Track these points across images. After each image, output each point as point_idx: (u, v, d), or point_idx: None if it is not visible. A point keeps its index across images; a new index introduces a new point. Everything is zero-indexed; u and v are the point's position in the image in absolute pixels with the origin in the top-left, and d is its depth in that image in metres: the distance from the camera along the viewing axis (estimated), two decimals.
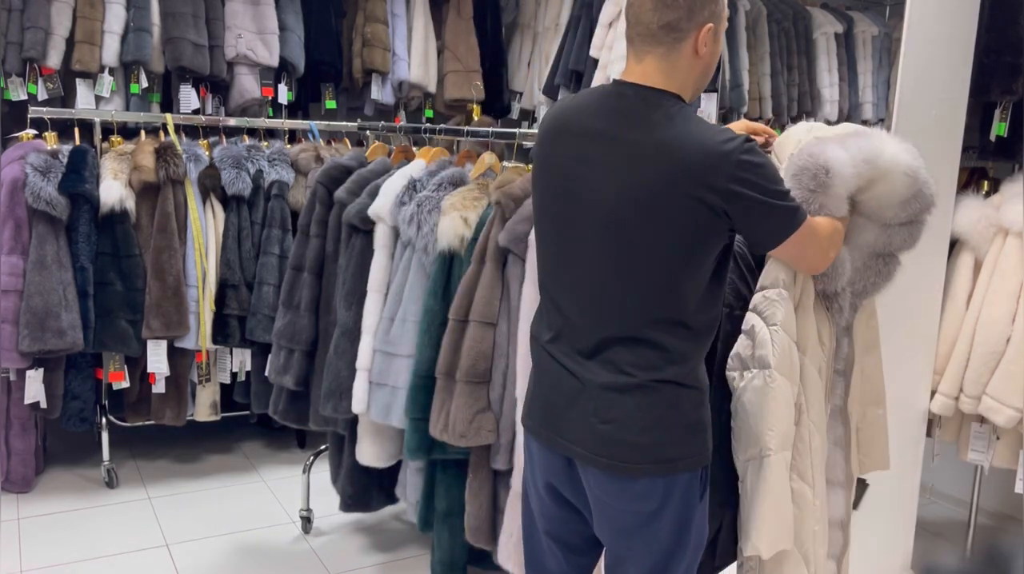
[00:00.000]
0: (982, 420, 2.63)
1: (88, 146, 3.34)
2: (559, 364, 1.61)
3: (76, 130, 3.42)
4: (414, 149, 2.81)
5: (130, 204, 3.25)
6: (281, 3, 4.03)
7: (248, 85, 3.96)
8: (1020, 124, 2.93)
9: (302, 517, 3.12)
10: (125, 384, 3.38)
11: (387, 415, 2.39)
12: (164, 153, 3.29)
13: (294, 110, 4.36)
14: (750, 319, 1.68)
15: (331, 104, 4.30)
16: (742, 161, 1.42)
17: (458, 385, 2.15)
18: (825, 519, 1.78)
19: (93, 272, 3.23)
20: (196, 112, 3.83)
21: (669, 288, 1.49)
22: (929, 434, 2.74)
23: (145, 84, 3.74)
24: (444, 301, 2.25)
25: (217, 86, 3.97)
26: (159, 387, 3.40)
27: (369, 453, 2.56)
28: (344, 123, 4.04)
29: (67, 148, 3.29)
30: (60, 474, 3.53)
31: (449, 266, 2.28)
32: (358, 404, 2.43)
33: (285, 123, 3.92)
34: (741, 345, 1.69)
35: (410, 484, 2.66)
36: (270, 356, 2.84)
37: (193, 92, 3.82)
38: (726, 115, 3.62)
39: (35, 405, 3.24)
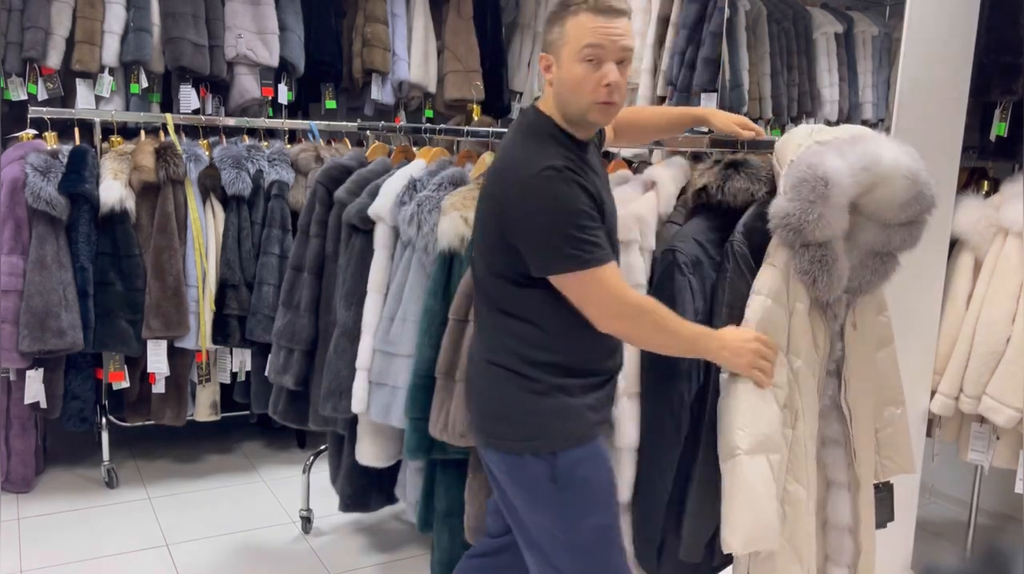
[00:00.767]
0: (982, 420, 2.63)
1: (88, 146, 3.34)
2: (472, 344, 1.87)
3: (76, 130, 3.42)
4: (414, 149, 2.81)
5: (130, 204, 3.25)
6: (281, 3, 4.03)
7: (248, 85, 3.96)
8: (1020, 124, 2.93)
9: (302, 517, 3.12)
10: (125, 384, 3.38)
11: (387, 415, 2.39)
12: (164, 153, 3.29)
13: (294, 110, 4.36)
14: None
15: (331, 104, 4.30)
16: (519, 186, 1.57)
17: (458, 385, 2.15)
18: (814, 520, 1.77)
19: (93, 272, 3.23)
20: (196, 112, 3.82)
21: (491, 279, 1.69)
22: (929, 434, 2.74)
23: (145, 84, 3.74)
24: (444, 301, 2.25)
25: (217, 86, 3.97)
26: (159, 387, 3.40)
27: (369, 453, 2.56)
28: (344, 123, 4.04)
29: (67, 148, 3.29)
30: (60, 474, 3.53)
31: (449, 266, 2.28)
32: (358, 404, 2.43)
33: (285, 123, 3.92)
34: None
35: (410, 484, 2.66)
36: (270, 356, 2.84)
37: (193, 92, 3.82)
38: None
39: (35, 405, 3.24)
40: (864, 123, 3.71)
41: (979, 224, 2.64)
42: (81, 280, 3.20)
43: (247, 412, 3.71)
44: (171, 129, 3.48)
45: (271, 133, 3.93)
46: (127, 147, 3.39)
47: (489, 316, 1.73)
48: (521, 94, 4.71)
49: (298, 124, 3.97)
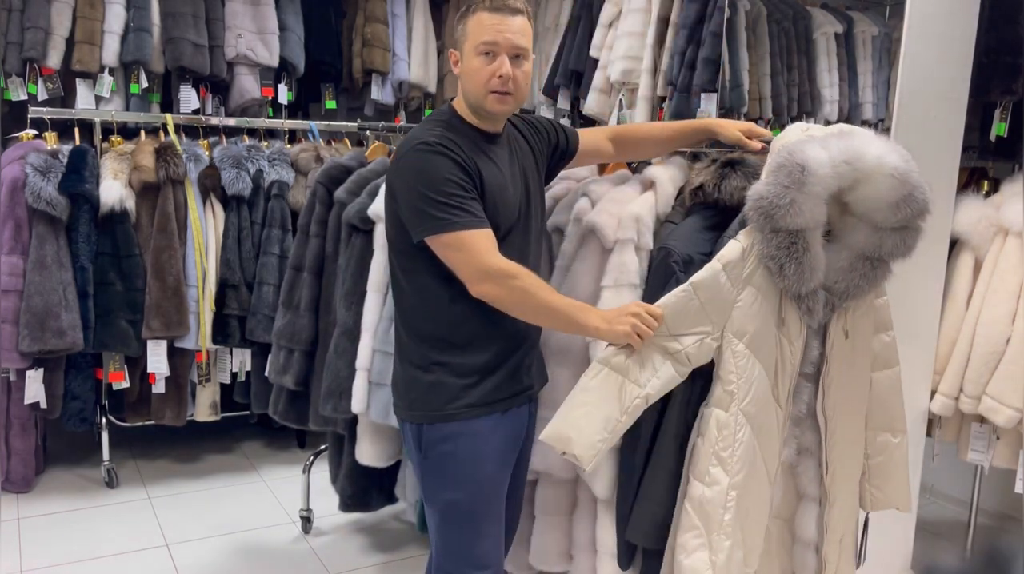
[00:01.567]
0: (982, 420, 2.62)
1: (88, 146, 3.34)
2: None
3: (76, 130, 3.43)
4: None
5: (130, 204, 3.25)
6: (281, 3, 4.03)
7: (248, 85, 3.96)
8: (1020, 124, 2.93)
9: (302, 517, 3.12)
10: (125, 384, 3.38)
11: (387, 415, 2.38)
12: (164, 153, 3.30)
13: (294, 110, 4.36)
14: None
15: (331, 104, 4.30)
16: (404, 158, 1.72)
17: None
18: (736, 511, 1.73)
19: (93, 272, 3.23)
20: (196, 112, 3.82)
21: (395, 257, 1.81)
22: (929, 434, 2.73)
23: (145, 84, 3.74)
24: None
25: (217, 86, 3.97)
26: (159, 387, 3.40)
27: (369, 453, 2.56)
28: (344, 123, 4.03)
29: (67, 148, 3.29)
30: (60, 474, 3.53)
31: None
32: (358, 404, 2.43)
33: (285, 123, 3.92)
34: None
35: (410, 484, 2.66)
36: (270, 356, 2.84)
37: (193, 92, 3.82)
38: (726, 115, 3.61)
39: (35, 405, 3.24)
40: (864, 123, 3.71)
41: (979, 224, 2.64)
42: (81, 280, 3.20)
43: (247, 412, 3.71)
44: (171, 129, 3.48)
45: (271, 133, 3.93)
46: (127, 147, 3.39)
47: (393, 290, 1.86)
48: None
49: (298, 124, 3.97)
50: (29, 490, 3.35)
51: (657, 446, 1.82)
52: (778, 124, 3.64)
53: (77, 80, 3.64)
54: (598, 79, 3.76)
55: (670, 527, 1.80)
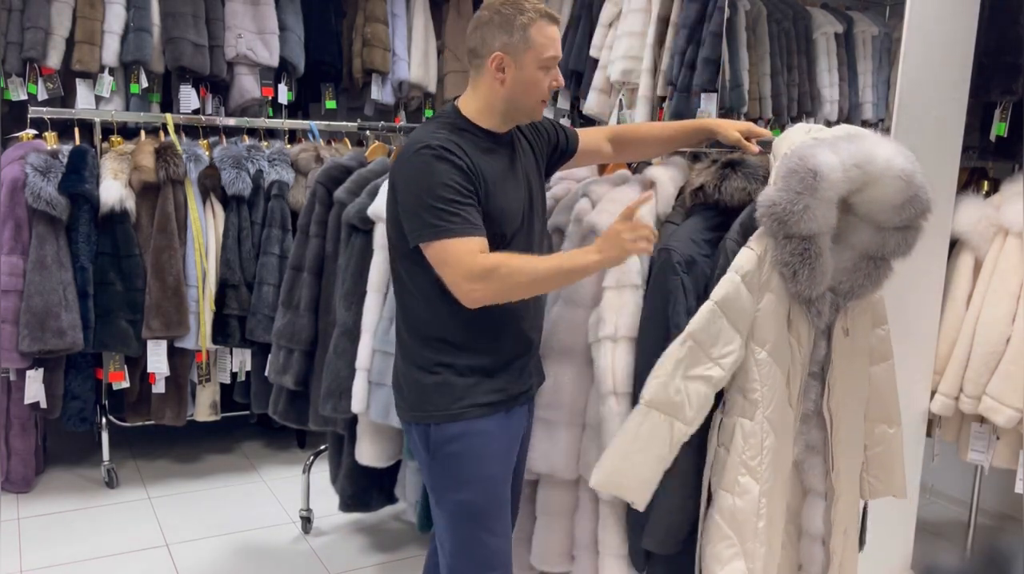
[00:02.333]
0: (982, 420, 2.62)
1: (88, 146, 3.34)
2: None
3: (76, 130, 3.43)
4: None
5: (130, 204, 3.25)
6: (281, 3, 4.03)
7: (248, 85, 3.96)
8: (1020, 124, 2.93)
9: (302, 517, 3.12)
10: (125, 384, 3.38)
11: (387, 415, 2.38)
12: (164, 153, 3.29)
13: (294, 110, 4.36)
14: None
15: (331, 104, 4.30)
16: (402, 160, 1.70)
17: None
18: (767, 518, 1.75)
19: (93, 272, 3.23)
20: (196, 112, 3.82)
21: (393, 256, 1.81)
22: (929, 434, 2.74)
23: (145, 84, 3.74)
24: None
25: (217, 86, 3.97)
26: (159, 387, 3.40)
27: (368, 453, 2.56)
28: (344, 123, 4.03)
29: (67, 148, 3.29)
30: (60, 474, 3.53)
31: None
32: (357, 404, 2.43)
33: (285, 123, 3.91)
34: None
35: (410, 484, 2.66)
36: (270, 356, 2.84)
37: (193, 92, 3.82)
38: (726, 115, 3.62)
39: (35, 405, 3.24)
40: (864, 123, 3.71)
41: (979, 224, 2.64)
42: (81, 280, 3.20)
43: (247, 412, 3.71)
44: (171, 129, 3.48)
45: (271, 133, 3.93)
46: (127, 147, 3.39)
47: (396, 291, 1.84)
48: None
49: (298, 124, 3.97)
50: (29, 490, 3.35)
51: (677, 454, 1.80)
52: (778, 124, 3.64)
53: (77, 80, 3.64)
54: (598, 79, 3.76)
55: (684, 532, 1.81)
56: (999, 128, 2.95)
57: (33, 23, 3.48)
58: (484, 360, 1.77)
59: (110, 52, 3.64)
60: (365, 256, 2.50)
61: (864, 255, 1.74)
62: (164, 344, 3.32)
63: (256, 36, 3.94)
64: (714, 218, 1.89)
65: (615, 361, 1.88)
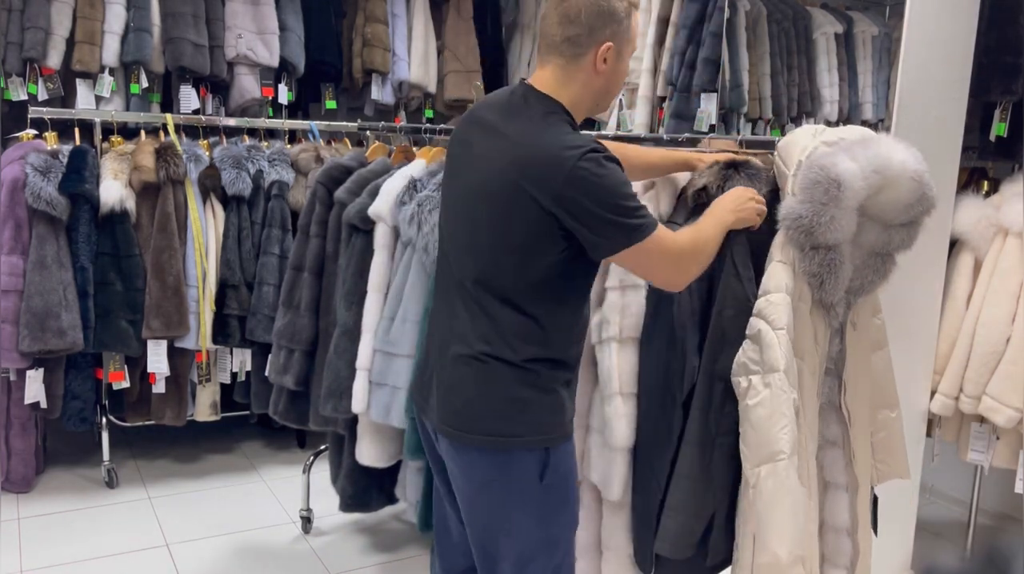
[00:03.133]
0: (982, 420, 2.63)
1: (88, 146, 3.34)
2: (433, 335, 1.76)
3: (76, 130, 3.42)
4: (414, 149, 2.81)
5: (130, 204, 3.25)
6: (281, 3, 4.03)
7: (248, 85, 3.96)
8: (1020, 124, 2.93)
9: (302, 517, 3.12)
10: (125, 384, 3.38)
11: (387, 415, 2.39)
12: (164, 153, 3.29)
13: (294, 110, 4.36)
14: (755, 324, 1.67)
15: (331, 104, 4.30)
16: (578, 168, 1.50)
17: None
18: (816, 521, 1.77)
19: (93, 272, 3.22)
20: (196, 112, 3.82)
21: (503, 271, 1.60)
22: (929, 434, 2.74)
23: (145, 84, 3.74)
24: None
25: (217, 86, 3.97)
26: (159, 387, 3.40)
27: (369, 453, 2.56)
28: (344, 123, 4.03)
29: (67, 148, 3.29)
30: (60, 474, 3.53)
31: None
32: (358, 404, 2.43)
33: (285, 123, 3.91)
34: (747, 350, 1.68)
35: (410, 484, 2.66)
36: (270, 356, 2.84)
37: (193, 92, 3.82)
38: (726, 115, 3.62)
39: (35, 405, 3.24)
40: (864, 123, 3.71)
41: (979, 224, 2.64)
42: (81, 280, 3.20)
43: (247, 412, 3.71)
44: (171, 129, 3.48)
45: (271, 133, 3.93)
46: (127, 147, 3.39)
47: (491, 309, 1.63)
48: None
49: (298, 124, 3.97)
50: (29, 490, 3.35)
51: (680, 454, 1.80)
52: (778, 124, 3.65)
53: (77, 80, 3.64)
54: None
55: (698, 536, 1.80)
56: (999, 128, 2.95)
57: (33, 23, 3.48)
58: (570, 374, 1.72)
59: (110, 52, 3.64)
60: (365, 256, 2.50)
61: (871, 252, 1.75)
62: (164, 344, 3.32)
63: (256, 36, 3.94)
64: None
65: (620, 362, 1.88)
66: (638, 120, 3.57)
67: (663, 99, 3.53)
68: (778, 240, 1.70)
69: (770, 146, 1.89)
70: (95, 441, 3.50)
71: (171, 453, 3.82)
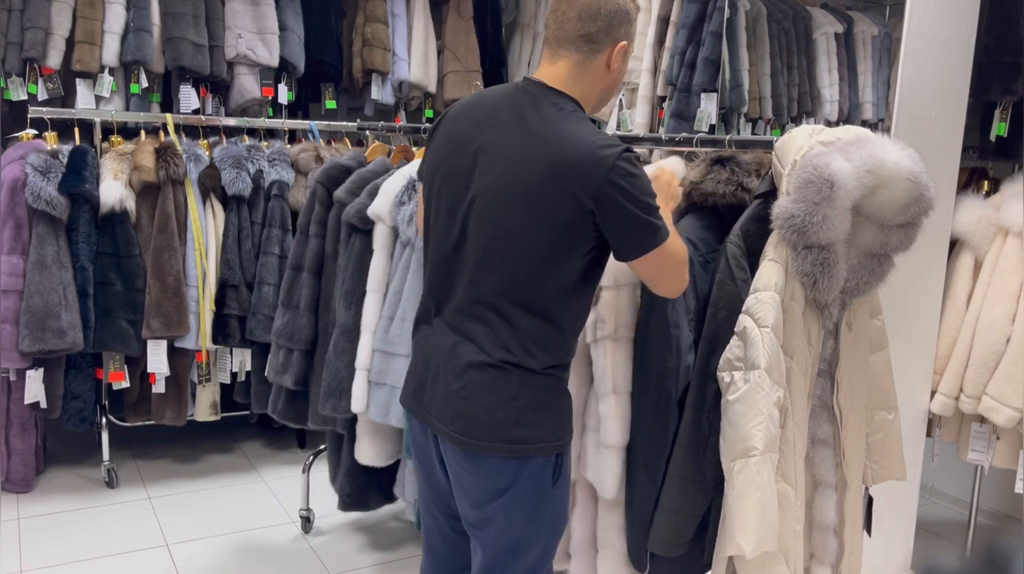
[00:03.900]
0: (982, 420, 2.63)
1: (88, 146, 3.34)
2: (432, 341, 1.70)
3: (76, 130, 3.43)
4: (414, 149, 2.81)
5: (130, 204, 3.25)
6: (281, 3, 4.03)
7: (248, 85, 3.96)
8: (1020, 124, 2.93)
9: (302, 517, 3.13)
10: (125, 384, 3.38)
11: (386, 414, 2.39)
12: (164, 153, 3.30)
13: (294, 110, 4.36)
14: (742, 321, 1.68)
15: (331, 104, 4.30)
16: (617, 167, 1.49)
17: None
18: (803, 519, 1.77)
19: (93, 272, 3.23)
20: (196, 112, 3.83)
21: (531, 275, 1.56)
22: (929, 434, 2.74)
23: (145, 84, 3.74)
24: None
25: (217, 86, 3.97)
26: (159, 387, 3.40)
27: (368, 452, 2.56)
28: (344, 123, 4.03)
29: (67, 148, 3.29)
30: (60, 474, 3.53)
31: None
32: (357, 403, 2.43)
33: (285, 123, 3.92)
34: (733, 346, 1.69)
35: (409, 483, 2.66)
36: (269, 356, 2.84)
37: (193, 92, 3.82)
38: (726, 115, 3.62)
39: (35, 405, 3.24)
40: (864, 123, 3.71)
41: (979, 224, 2.64)
42: (81, 280, 3.20)
43: (247, 412, 3.71)
44: (171, 129, 3.49)
45: (271, 133, 3.93)
46: (127, 147, 3.39)
47: (510, 315, 1.58)
48: None
49: (298, 124, 3.97)
50: (29, 490, 3.35)
51: (673, 453, 1.81)
52: (778, 124, 3.64)
53: (77, 80, 3.64)
54: None
55: (690, 534, 1.81)
56: (999, 128, 2.95)
57: (33, 23, 3.49)
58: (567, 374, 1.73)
59: (110, 52, 3.64)
60: (365, 256, 2.50)
61: (868, 253, 1.75)
62: (164, 344, 3.32)
63: (256, 36, 3.94)
64: (708, 216, 1.90)
65: (614, 360, 1.88)
66: (638, 120, 3.57)
67: (663, 99, 3.53)
68: (772, 239, 1.71)
69: (760, 145, 1.90)
70: (95, 441, 3.50)
71: (171, 453, 3.82)
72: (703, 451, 1.77)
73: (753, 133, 3.55)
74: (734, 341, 1.69)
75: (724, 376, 1.70)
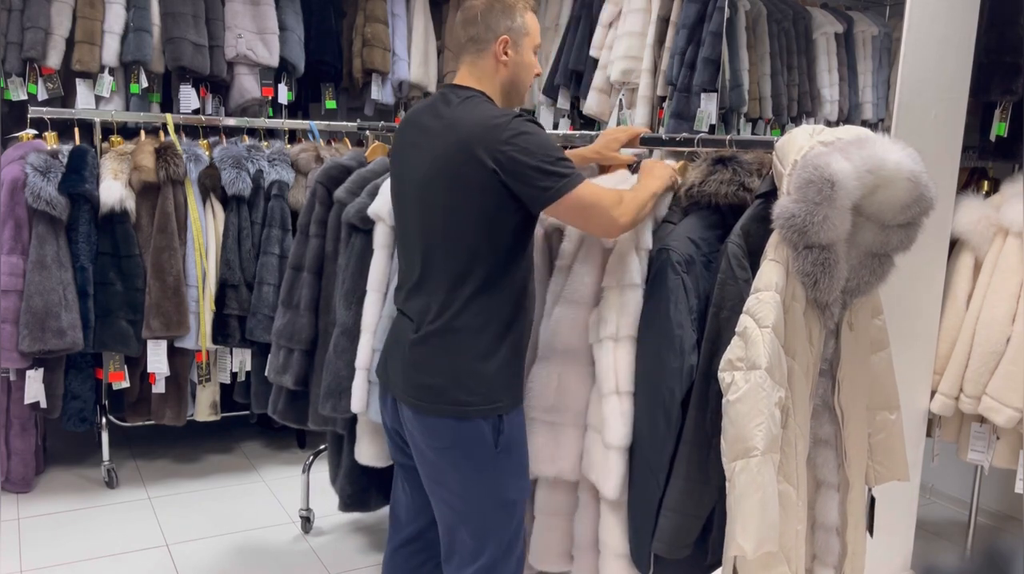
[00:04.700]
0: (982, 420, 2.63)
1: (88, 146, 3.34)
2: (396, 321, 1.95)
3: (76, 130, 3.43)
4: None
5: (130, 204, 3.25)
6: (281, 3, 4.03)
7: (248, 85, 3.96)
8: (1020, 124, 2.93)
9: (302, 517, 3.13)
10: (125, 384, 3.38)
11: None
12: (164, 153, 3.30)
13: (294, 110, 4.36)
14: (743, 321, 1.68)
15: (331, 104, 4.31)
16: (510, 127, 1.70)
17: None
18: (805, 520, 1.77)
19: (93, 272, 3.23)
20: (196, 112, 3.83)
21: (468, 246, 1.75)
22: (929, 434, 2.74)
23: (145, 84, 3.74)
24: None
25: (217, 86, 3.97)
26: (159, 387, 3.40)
27: (368, 453, 2.56)
28: (344, 123, 4.03)
29: (67, 148, 3.29)
30: (60, 474, 3.53)
31: None
32: (357, 403, 2.43)
33: (285, 123, 3.92)
34: (734, 347, 1.69)
35: None
36: (269, 356, 2.84)
37: (193, 92, 3.83)
38: (726, 115, 3.62)
39: (35, 405, 3.24)
40: (864, 123, 3.71)
41: (979, 224, 2.64)
42: (81, 280, 3.20)
43: (247, 412, 3.71)
44: (171, 129, 3.49)
45: (271, 133, 3.94)
46: (127, 147, 3.39)
47: (449, 283, 1.78)
48: None
49: (298, 124, 3.98)
50: (29, 490, 3.36)
51: (677, 454, 1.81)
52: (778, 124, 3.64)
53: (77, 80, 3.65)
54: (598, 79, 3.76)
55: (695, 536, 1.80)
56: (999, 128, 2.95)
57: (33, 23, 3.49)
58: (520, 338, 1.85)
59: (110, 52, 3.64)
60: (365, 256, 2.50)
61: (868, 253, 1.75)
62: (164, 344, 3.32)
63: (256, 36, 3.94)
64: (710, 216, 1.90)
65: (617, 360, 1.88)
66: (638, 120, 3.57)
67: (663, 99, 3.53)
68: (773, 239, 1.70)
69: (760, 145, 1.90)
70: (95, 441, 3.50)
71: (171, 453, 3.82)
72: (707, 452, 1.77)
73: (753, 133, 3.55)
74: (735, 341, 1.69)
75: (725, 376, 1.70)
